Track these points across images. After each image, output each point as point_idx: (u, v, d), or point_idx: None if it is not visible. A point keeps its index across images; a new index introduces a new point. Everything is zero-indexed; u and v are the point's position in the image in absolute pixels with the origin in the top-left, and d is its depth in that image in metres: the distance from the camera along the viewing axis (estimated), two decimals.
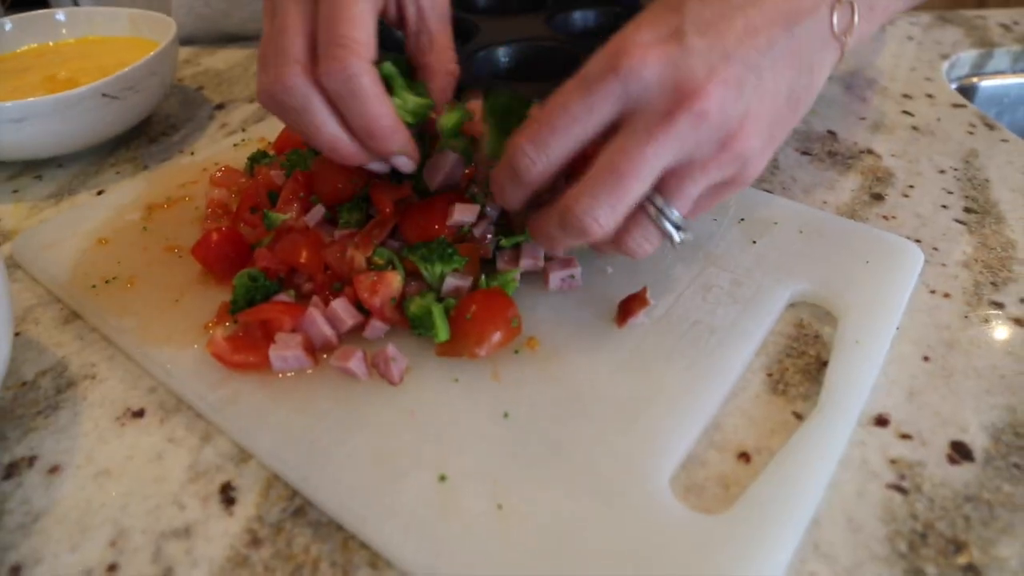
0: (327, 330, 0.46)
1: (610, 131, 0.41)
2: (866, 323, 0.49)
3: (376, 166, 0.48)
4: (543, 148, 0.41)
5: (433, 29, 0.51)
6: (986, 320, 0.52)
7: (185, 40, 0.97)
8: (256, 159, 0.63)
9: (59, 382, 0.48)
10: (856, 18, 0.43)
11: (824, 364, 0.48)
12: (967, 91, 0.94)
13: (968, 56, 0.92)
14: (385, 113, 0.44)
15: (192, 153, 0.71)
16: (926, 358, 0.49)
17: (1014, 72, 0.95)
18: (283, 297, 0.49)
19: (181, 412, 0.46)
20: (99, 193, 0.67)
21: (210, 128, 0.77)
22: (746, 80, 0.39)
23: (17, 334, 0.52)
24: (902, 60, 0.89)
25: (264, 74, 0.45)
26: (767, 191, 0.64)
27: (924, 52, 0.91)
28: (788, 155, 0.70)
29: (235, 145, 0.70)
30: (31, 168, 0.71)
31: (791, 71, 0.41)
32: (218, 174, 0.62)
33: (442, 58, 0.51)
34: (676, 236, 0.42)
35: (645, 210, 0.42)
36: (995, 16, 1.02)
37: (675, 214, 0.42)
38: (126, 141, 0.75)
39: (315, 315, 0.46)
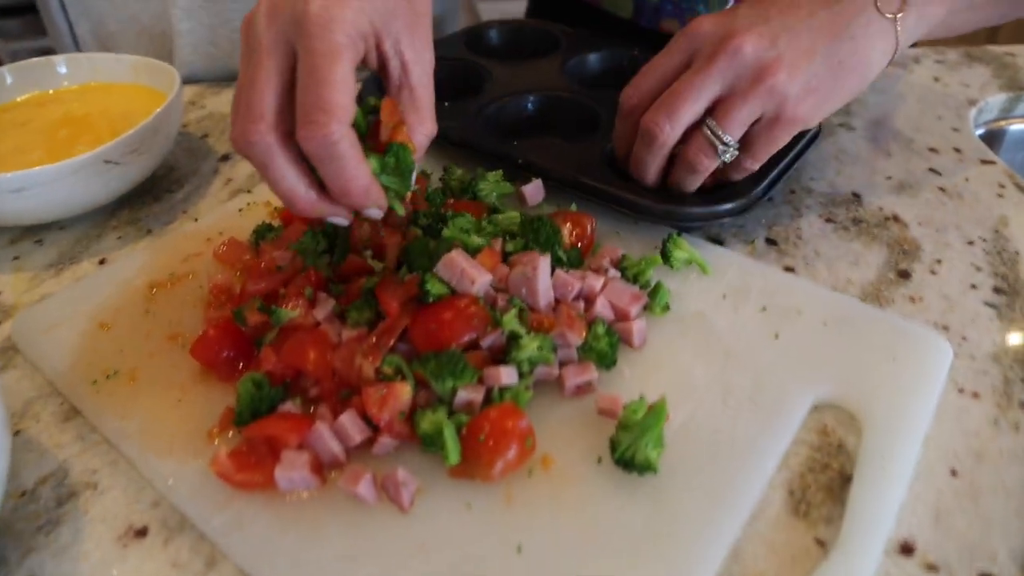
0: (335, 447, 0.45)
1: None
2: (892, 434, 0.47)
3: (338, 220, 0.49)
4: (640, 83, 0.60)
5: (415, 84, 0.50)
6: (1016, 427, 0.50)
7: (190, 78, 0.95)
8: (261, 234, 0.61)
9: (60, 492, 0.47)
10: (906, 2, 0.55)
11: (848, 480, 0.46)
12: (995, 135, 0.91)
13: (996, 100, 0.90)
14: (362, 175, 0.45)
15: (196, 219, 0.69)
16: (954, 472, 0.47)
17: None
18: (289, 406, 0.47)
19: (185, 531, 0.44)
20: (101, 262, 0.65)
21: (214, 184, 0.75)
22: (779, 36, 0.54)
23: (17, 433, 0.50)
24: (928, 107, 0.86)
25: (234, 125, 0.46)
26: (790, 269, 0.62)
27: (951, 97, 0.89)
28: (812, 223, 0.67)
29: (240, 210, 0.68)
30: (32, 232, 0.69)
31: (828, 36, 0.54)
32: (222, 248, 0.61)
33: (422, 117, 0.50)
34: (722, 150, 0.56)
35: (702, 129, 0.56)
36: None
37: (725, 136, 0.55)
38: (129, 200, 0.73)
39: (322, 431, 0.45)
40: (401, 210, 0.49)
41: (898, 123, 0.84)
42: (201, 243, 0.64)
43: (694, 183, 0.60)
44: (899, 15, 0.55)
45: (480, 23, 0.93)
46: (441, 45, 0.72)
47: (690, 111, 0.55)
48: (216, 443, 0.47)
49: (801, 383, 0.50)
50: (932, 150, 0.79)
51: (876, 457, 0.46)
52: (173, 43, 0.93)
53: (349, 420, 0.45)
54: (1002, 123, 0.92)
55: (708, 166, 0.57)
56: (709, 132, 0.55)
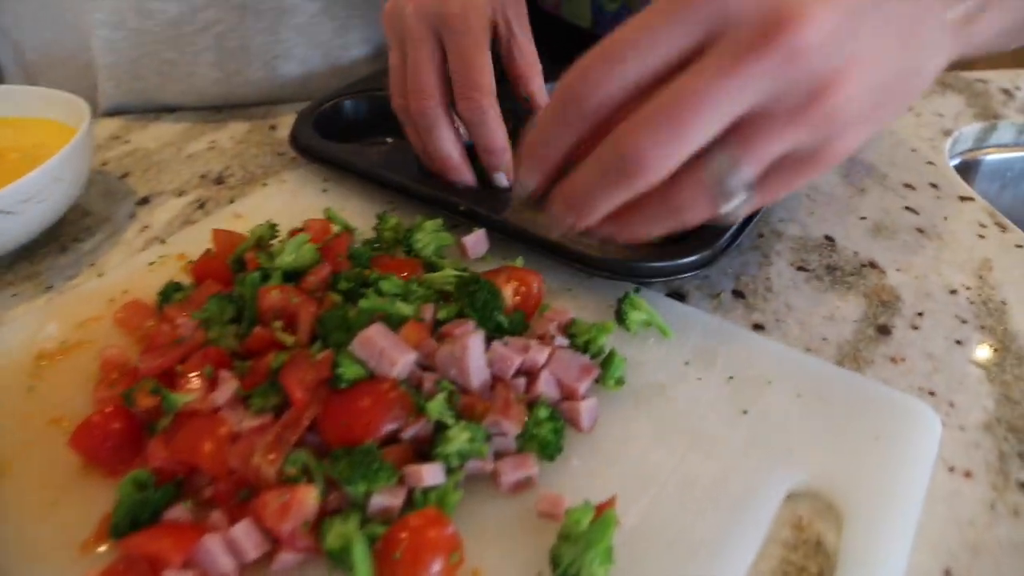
0: (226, 565, 0.38)
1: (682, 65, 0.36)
2: (877, 529, 0.41)
3: (467, 177, 0.62)
4: (614, 65, 0.36)
5: (520, 41, 0.62)
6: (1016, 511, 0.44)
7: (115, 111, 0.88)
8: (167, 295, 0.54)
9: None
10: (969, 13, 0.40)
11: None
12: (970, 166, 0.87)
13: (971, 130, 0.85)
14: (503, 137, 0.59)
15: (100, 274, 0.62)
16: (948, 573, 0.41)
17: (1018, 145, 0.88)
18: (177, 512, 0.40)
19: None
20: None
21: (128, 232, 0.68)
22: (856, 24, 0.34)
23: None
24: (902, 139, 0.81)
25: (400, 98, 0.61)
26: (759, 326, 0.56)
27: (925, 128, 0.84)
28: (782, 271, 0.62)
29: (150, 264, 0.61)
30: None
31: (900, 39, 0.36)
32: (120, 314, 0.54)
33: (530, 62, 0.63)
34: (734, 202, 0.37)
35: (706, 161, 0.36)
36: (996, 80, 0.95)
37: (741, 174, 0.36)
38: (30, 250, 0.65)
39: (211, 546, 0.38)
40: None
41: (871, 156, 0.79)
42: (102, 304, 0.57)
43: (660, 231, 0.41)
44: (960, 27, 0.39)
45: None
46: (382, 76, 0.67)
47: (702, 136, 0.35)
48: (92, 557, 0.40)
49: (773, 470, 0.44)
50: (908, 186, 0.74)
51: (859, 558, 0.40)
52: (97, 75, 0.85)
53: (244, 532, 0.38)
54: (977, 153, 0.87)
55: (701, 217, 0.39)
56: (720, 169, 0.36)
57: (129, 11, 0.78)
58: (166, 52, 0.82)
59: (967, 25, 0.40)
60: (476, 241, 0.58)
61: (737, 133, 0.35)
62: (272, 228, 0.58)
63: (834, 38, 0.33)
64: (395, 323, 0.45)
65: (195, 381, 0.45)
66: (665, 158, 0.35)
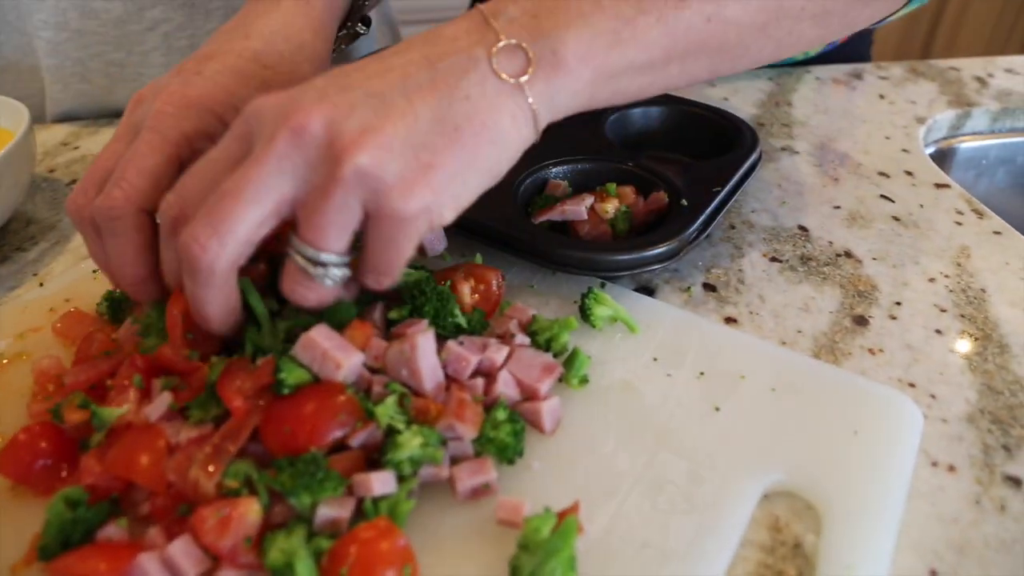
0: None
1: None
2: (857, 529, 0.39)
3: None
4: (186, 180, 0.42)
5: None
6: (1002, 506, 0.42)
7: (65, 117, 0.85)
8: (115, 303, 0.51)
9: None
10: (531, 65, 0.41)
11: None
12: (945, 154, 0.85)
13: (945, 117, 0.84)
14: (133, 260, 0.45)
15: (41, 284, 0.59)
16: (933, 573, 0.39)
17: (992, 132, 0.86)
18: (111, 531, 0.37)
19: None
20: None
21: (74, 240, 0.65)
22: (364, 104, 0.39)
23: None
24: (875, 127, 0.80)
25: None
26: (731, 320, 0.54)
27: (898, 115, 0.82)
28: (755, 262, 0.60)
29: (94, 272, 0.58)
30: None
31: (432, 96, 0.40)
32: (59, 324, 0.51)
33: None
34: (320, 273, 0.40)
35: (289, 251, 0.41)
36: (969, 68, 0.94)
37: (318, 251, 0.39)
38: None
39: (147, 565, 0.35)
40: None
41: (844, 145, 0.77)
42: (43, 315, 0.54)
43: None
44: (523, 79, 0.41)
45: None
46: None
47: (245, 218, 0.38)
48: None
49: (747, 469, 0.42)
50: (882, 174, 0.72)
51: (839, 560, 0.38)
52: (44, 82, 0.82)
53: (181, 550, 0.36)
54: (952, 141, 0.86)
55: (315, 297, 0.41)
56: (293, 252, 0.40)
57: (72, 11, 0.75)
58: (113, 53, 0.79)
59: (532, 83, 0.41)
60: (434, 238, 0.55)
61: (297, 219, 0.40)
62: None
63: (335, 119, 0.38)
64: (340, 324, 0.42)
65: (129, 393, 0.42)
66: (217, 243, 0.38)
